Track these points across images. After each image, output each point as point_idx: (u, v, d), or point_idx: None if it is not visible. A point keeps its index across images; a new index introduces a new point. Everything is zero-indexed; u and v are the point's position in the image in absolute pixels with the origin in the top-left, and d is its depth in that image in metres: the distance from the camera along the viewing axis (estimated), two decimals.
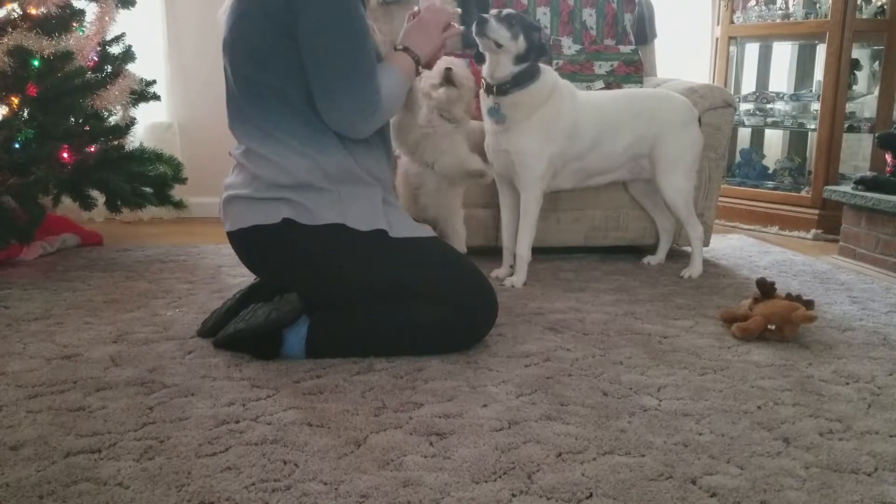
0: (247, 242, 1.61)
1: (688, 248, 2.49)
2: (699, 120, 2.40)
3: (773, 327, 1.74)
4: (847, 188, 2.78)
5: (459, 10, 1.76)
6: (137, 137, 2.88)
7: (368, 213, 1.57)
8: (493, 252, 2.55)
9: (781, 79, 3.81)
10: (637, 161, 2.36)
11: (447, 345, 1.61)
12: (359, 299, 1.61)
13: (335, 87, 1.50)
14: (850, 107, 3.40)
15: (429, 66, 1.73)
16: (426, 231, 1.68)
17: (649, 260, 2.54)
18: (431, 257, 1.63)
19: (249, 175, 1.57)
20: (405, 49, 1.64)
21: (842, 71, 3.22)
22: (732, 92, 3.59)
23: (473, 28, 2.01)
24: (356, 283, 1.59)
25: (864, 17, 3.31)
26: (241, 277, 2.27)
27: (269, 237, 1.55)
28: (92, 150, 2.57)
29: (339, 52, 1.49)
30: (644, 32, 3.00)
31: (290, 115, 1.54)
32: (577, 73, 2.78)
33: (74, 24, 2.46)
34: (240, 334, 1.57)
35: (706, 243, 2.67)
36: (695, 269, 2.39)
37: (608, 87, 2.78)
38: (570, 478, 1.09)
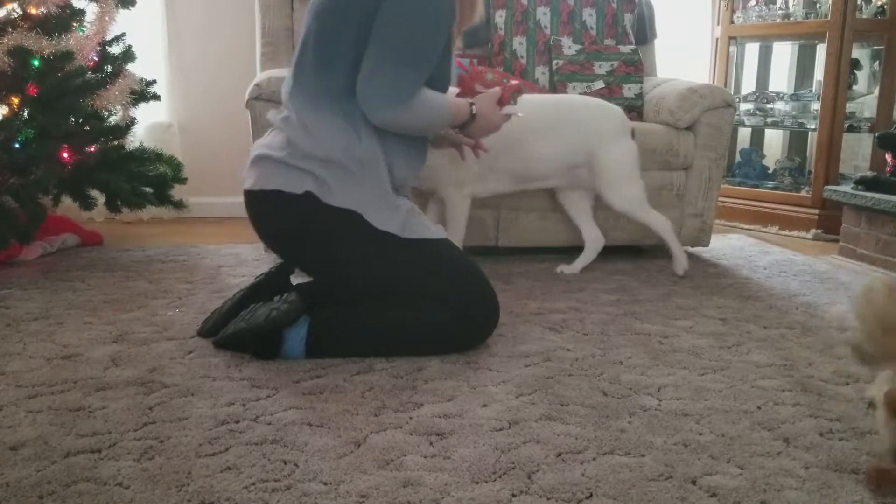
0: (264, 204, 1.62)
1: (692, 249, 2.46)
2: (632, 132, 2.35)
3: None
4: (847, 188, 2.78)
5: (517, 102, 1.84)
6: (137, 137, 2.88)
7: (385, 213, 1.59)
8: (493, 252, 2.56)
9: (781, 79, 3.81)
10: (574, 170, 2.31)
11: (446, 347, 1.61)
12: (360, 291, 1.62)
13: (384, 66, 1.52)
14: (850, 107, 3.40)
15: (478, 134, 1.78)
16: (439, 232, 1.69)
17: (563, 269, 2.41)
18: (439, 259, 1.63)
19: (285, 139, 1.59)
20: (472, 104, 1.71)
21: (842, 71, 3.22)
22: (732, 92, 3.59)
23: None
24: (359, 274, 1.60)
25: (864, 17, 3.31)
26: (241, 277, 2.27)
27: (287, 205, 1.57)
28: (92, 150, 2.57)
29: (408, 43, 1.54)
30: (644, 32, 3.00)
31: (347, 92, 1.57)
32: (577, 73, 2.78)
33: (74, 24, 2.46)
34: (240, 334, 1.57)
35: (705, 243, 2.67)
36: (679, 262, 2.35)
37: (608, 87, 2.78)
38: (570, 478, 1.09)
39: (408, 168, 1.69)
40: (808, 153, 3.63)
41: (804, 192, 3.39)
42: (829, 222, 3.19)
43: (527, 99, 2.28)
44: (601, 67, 2.79)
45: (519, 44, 2.83)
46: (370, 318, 1.60)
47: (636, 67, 2.82)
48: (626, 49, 2.84)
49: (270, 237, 1.70)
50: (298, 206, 1.56)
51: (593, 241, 2.44)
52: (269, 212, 1.63)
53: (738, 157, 3.75)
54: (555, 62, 2.80)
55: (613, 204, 2.31)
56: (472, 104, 1.71)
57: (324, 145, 1.56)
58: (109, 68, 2.60)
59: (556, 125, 2.26)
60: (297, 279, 1.76)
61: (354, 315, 1.60)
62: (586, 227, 2.45)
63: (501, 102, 1.77)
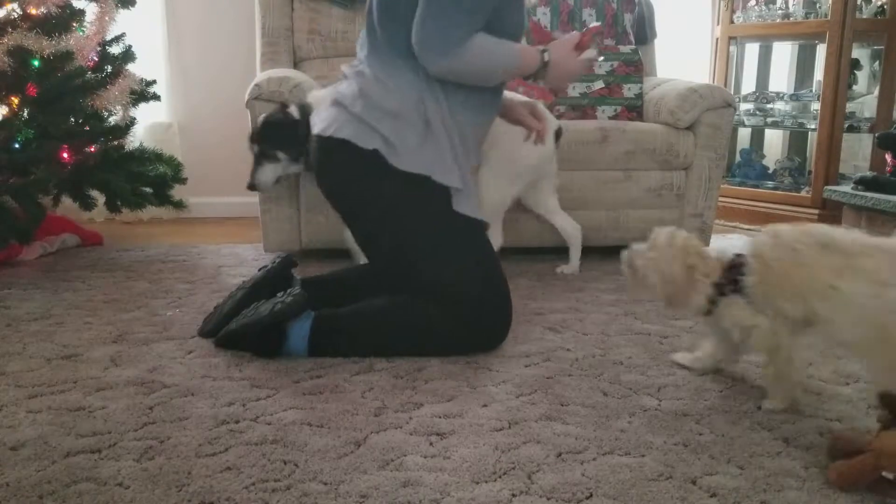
0: (330, 151, 1.64)
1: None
2: (558, 131, 2.27)
3: (893, 476, 1.07)
4: (847, 188, 2.78)
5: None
6: (137, 137, 2.88)
7: (449, 171, 1.59)
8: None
9: (781, 79, 3.81)
10: None
11: (449, 351, 1.60)
12: (384, 260, 1.66)
13: (434, 10, 1.50)
14: (850, 107, 3.40)
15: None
16: (483, 217, 1.68)
17: (562, 269, 2.39)
18: (476, 260, 1.63)
19: (357, 90, 1.62)
20: (543, 51, 1.64)
21: (842, 71, 3.22)
22: (732, 92, 3.59)
23: None
24: (394, 244, 1.62)
25: (864, 17, 3.31)
26: (241, 277, 2.27)
27: (353, 157, 1.59)
28: (92, 150, 2.57)
29: None
30: (644, 32, 3.00)
31: (412, 49, 1.56)
32: None
33: (74, 24, 2.46)
34: (242, 329, 1.57)
35: (705, 243, 2.67)
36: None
37: (608, 87, 2.78)
38: (570, 478, 1.09)
39: (474, 136, 1.68)
40: (808, 153, 3.63)
41: (804, 192, 3.39)
42: (829, 222, 3.18)
43: None
44: (601, 67, 2.79)
45: None
46: (375, 317, 1.60)
47: (636, 67, 2.81)
48: (625, 49, 2.84)
49: (327, 184, 1.70)
50: (363, 160, 1.57)
51: (570, 232, 2.42)
52: (334, 159, 1.64)
53: (738, 157, 3.75)
54: None
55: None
56: (543, 51, 1.63)
57: (395, 98, 1.58)
58: (109, 68, 2.60)
59: None
60: (300, 274, 1.76)
61: (358, 313, 1.61)
62: (558, 220, 2.42)
63: (580, 47, 1.64)
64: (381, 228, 1.63)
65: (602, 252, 2.47)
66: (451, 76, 1.57)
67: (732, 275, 1.36)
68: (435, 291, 1.59)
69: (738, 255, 1.38)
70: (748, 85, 3.80)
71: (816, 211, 3.26)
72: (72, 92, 2.38)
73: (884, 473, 1.07)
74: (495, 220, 2.23)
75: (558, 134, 2.26)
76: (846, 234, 1.23)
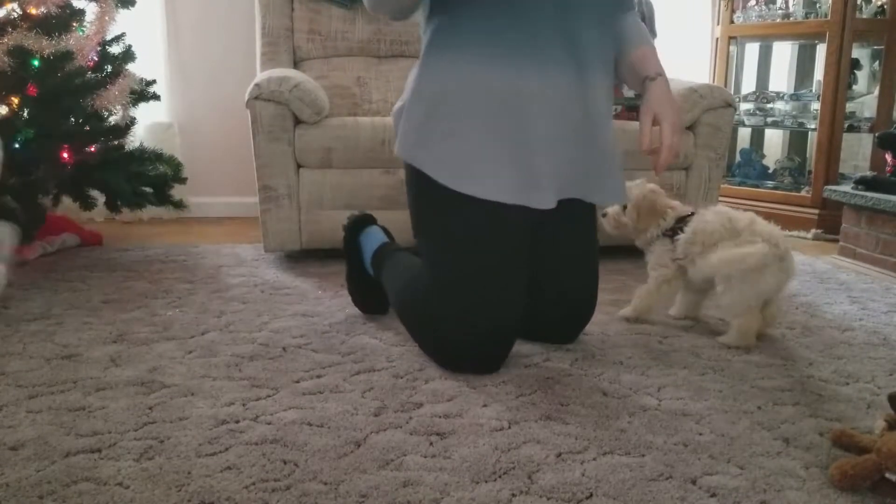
0: None
1: None
2: None
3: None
4: (847, 188, 2.78)
5: None
6: (137, 137, 2.88)
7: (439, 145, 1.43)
8: None
9: (781, 79, 3.81)
10: None
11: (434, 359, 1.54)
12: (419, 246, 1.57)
13: None
14: (850, 107, 3.40)
15: None
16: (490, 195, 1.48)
17: None
18: (467, 261, 1.44)
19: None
20: None
21: (842, 71, 3.22)
22: (732, 92, 3.59)
23: None
24: (418, 229, 1.55)
25: (864, 17, 3.31)
26: (241, 277, 2.27)
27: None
28: (92, 150, 2.57)
29: None
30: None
31: (428, 31, 1.48)
32: None
33: (74, 24, 2.46)
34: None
35: None
36: None
37: None
38: (570, 478, 1.09)
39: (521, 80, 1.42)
40: (808, 153, 3.63)
41: (804, 192, 3.39)
42: (829, 222, 3.19)
43: None
44: None
45: None
46: (398, 281, 1.65)
47: None
48: None
49: None
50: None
51: None
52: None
53: (738, 157, 3.74)
54: None
55: None
56: None
57: (408, 86, 1.51)
58: (109, 68, 2.60)
59: None
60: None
61: (394, 266, 1.69)
62: None
63: None
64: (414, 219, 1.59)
65: (602, 252, 2.46)
66: (376, 7, 1.42)
67: (678, 225, 1.81)
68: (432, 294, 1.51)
69: (691, 214, 1.80)
70: (748, 85, 3.80)
71: (816, 211, 3.26)
72: (72, 92, 2.38)
73: (887, 475, 1.06)
74: None
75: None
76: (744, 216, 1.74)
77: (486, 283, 1.43)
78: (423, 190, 1.49)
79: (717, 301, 1.73)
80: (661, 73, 1.52)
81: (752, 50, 3.81)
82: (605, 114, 1.52)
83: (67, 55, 2.33)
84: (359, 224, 1.89)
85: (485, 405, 1.34)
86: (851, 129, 3.39)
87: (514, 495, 1.04)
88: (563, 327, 1.67)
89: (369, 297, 1.85)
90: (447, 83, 1.42)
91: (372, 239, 1.84)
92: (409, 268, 1.63)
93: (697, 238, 1.74)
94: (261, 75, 2.42)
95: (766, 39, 3.71)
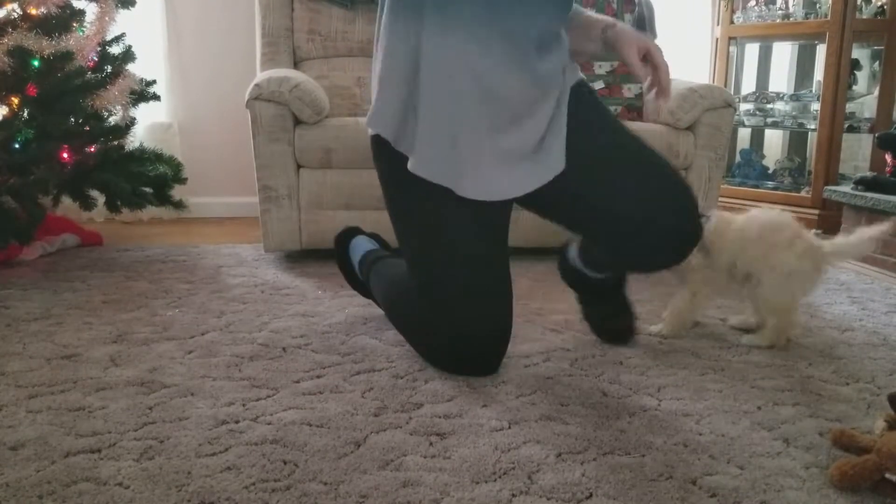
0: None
1: None
2: None
3: None
4: (847, 188, 2.78)
5: None
6: (137, 137, 2.88)
7: (398, 125, 1.45)
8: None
9: (781, 79, 3.81)
10: None
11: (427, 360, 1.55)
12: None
13: None
14: (850, 107, 3.40)
15: None
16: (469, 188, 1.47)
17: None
18: (442, 249, 1.46)
19: None
20: None
21: (842, 71, 3.22)
22: (732, 92, 3.59)
23: None
24: (393, 222, 1.57)
25: (864, 17, 3.31)
26: (241, 277, 2.27)
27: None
28: (92, 150, 2.57)
29: None
30: (644, 32, 3.00)
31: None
32: None
33: (74, 24, 2.46)
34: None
35: None
36: None
37: (608, 87, 2.78)
38: (570, 478, 1.09)
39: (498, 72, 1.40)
40: (808, 153, 3.63)
41: (804, 193, 3.39)
42: (829, 222, 3.19)
43: None
44: (601, 67, 2.79)
45: None
46: (385, 286, 1.67)
47: None
48: None
49: None
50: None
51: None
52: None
53: (738, 157, 3.74)
54: None
55: None
56: None
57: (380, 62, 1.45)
58: (109, 68, 2.60)
59: None
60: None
61: (379, 276, 1.70)
62: None
63: None
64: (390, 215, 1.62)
65: None
66: None
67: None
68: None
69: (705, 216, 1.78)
70: (748, 85, 3.80)
71: (816, 211, 3.26)
72: (72, 92, 2.38)
73: (887, 475, 1.06)
74: None
75: None
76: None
77: (469, 287, 1.47)
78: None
79: (757, 297, 1.69)
80: (616, 22, 1.47)
81: (752, 50, 3.81)
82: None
83: (67, 55, 2.33)
84: (344, 239, 1.92)
85: (485, 405, 1.34)
86: (851, 129, 3.40)
87: (514, 495, 1.04)
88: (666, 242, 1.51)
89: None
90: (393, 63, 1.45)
91: (356, 251, 1.86)
92: (395, 282, 1.64)
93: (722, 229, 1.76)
94: (261, 75, 2.42)
95: (766, 40, 3.71)
